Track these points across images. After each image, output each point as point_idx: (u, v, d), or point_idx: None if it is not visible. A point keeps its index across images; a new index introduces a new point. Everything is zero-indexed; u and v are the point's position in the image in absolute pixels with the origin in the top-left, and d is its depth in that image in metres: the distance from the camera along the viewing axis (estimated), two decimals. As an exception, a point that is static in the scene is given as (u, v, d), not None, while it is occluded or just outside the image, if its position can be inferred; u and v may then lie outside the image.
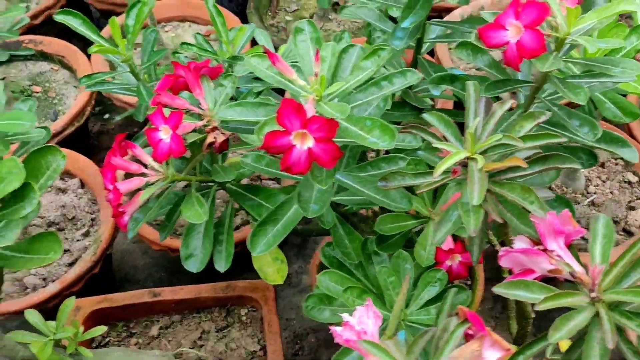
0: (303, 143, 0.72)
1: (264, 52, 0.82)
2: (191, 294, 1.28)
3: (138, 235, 1.62)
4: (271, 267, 1.05)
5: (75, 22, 1.10)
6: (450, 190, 0.94)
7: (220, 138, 0.93)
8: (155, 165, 0.98)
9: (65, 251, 1.41)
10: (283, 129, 0.71)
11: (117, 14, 1.84)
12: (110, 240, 1.39)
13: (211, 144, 0.93)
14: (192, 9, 1.89)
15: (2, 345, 1.02)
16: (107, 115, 1.97)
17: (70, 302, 1.10)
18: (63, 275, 1.35)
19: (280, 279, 1.05)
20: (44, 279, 1.38)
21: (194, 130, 0.97)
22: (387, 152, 1.16)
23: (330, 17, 1.86)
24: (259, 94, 1.11)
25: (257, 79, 1.17)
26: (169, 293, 1.29)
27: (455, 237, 0.93)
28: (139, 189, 0.98)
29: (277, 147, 0.72)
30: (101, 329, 1.11)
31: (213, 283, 1.29)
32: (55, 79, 1.75)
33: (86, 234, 1.43)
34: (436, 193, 0.98)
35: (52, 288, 1.33)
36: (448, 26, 1.07)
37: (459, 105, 1.50)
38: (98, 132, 1.93)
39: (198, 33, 1.22)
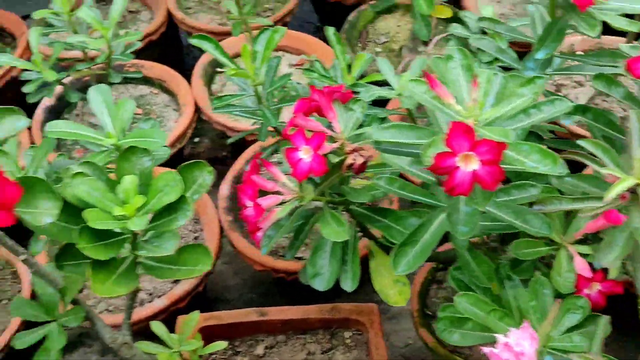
0: (467, 165, 0.74)
1: (418, 78, 0.84)
2: (298, 315, 1.30)
3: (234, 256, 1.66)
4: (392, 289, 1.07)
5: (209, 46, 1.16)
6: (582, 220, 0.95)
7: (360, 160, 0.96)
8: (290, 184, 1.02)
9: (171, 268, 1.45)
10: (449, 151, 0.74)
11: (214, 43, 1.91)
12: (215, 259, 1.43)
13: (350, 166, 0.96)
14: (284, 39, 1.95)
15: (132, 354, 1.05)
16: (197, 139, 2.03)
17: (195, 316, 1.14)
18: (170, 292, 1.38)
19: (402, 301, 1.06)
20: (150, 294, 1.42)
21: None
22: (507, 180, 1.18)
23: (419, 49, 1.90)
24: (382, 119, 1.14)
25: (375, 105, 1.20)
26: (276, 313, 1.31)
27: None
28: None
29: (443, 168, 0.74)
30: (221, 345, 1.14)
31: (319, 305, 1.31)
32: (156, 102, 1.82)
33: (189, 252, 1.47)
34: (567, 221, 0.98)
35: (160, 303, 1.36)
36: (573, 59, 1.10)
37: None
38: (188, 155, 1.99)
39: (317, 60, 1.26)
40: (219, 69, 1.88)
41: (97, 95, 1.18)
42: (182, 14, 1.99)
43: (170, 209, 0.88)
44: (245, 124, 1.72)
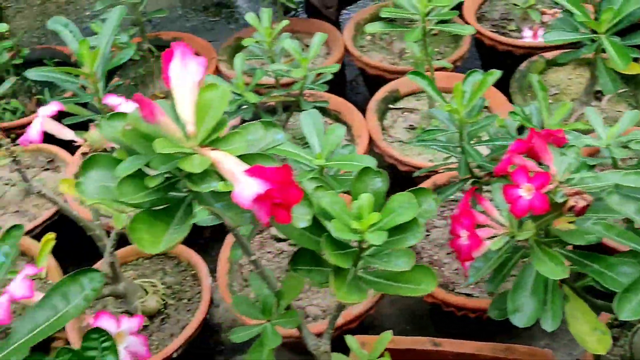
0: None
1: None
2: (471, 350, 1.32)
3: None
4: (590, 336, 1.06)
5: (423, 83, 1.23)
6: None
7: (581, 203, 0.98)
8: (501, 219, 1.06)
9: (343, 289, 1.52)
10: None
11: (387, 81, 2.00)
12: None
13: (571, 208, 0.98)
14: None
15: (327, 363, 1.11)
16: (357, 170, 2.11)
17: (387, 336, 1.19)
18: (345, 311, 1.44)
19: (602, 350, 1.05)
20: (324, 311, 1.48)
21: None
22: None
23: (592, 103, 1.89)
24: (591, 167, 1.15)
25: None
26: (449, 345, 1.33)
27: None
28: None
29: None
30: (407, 366, 1.18)
31: (493, 343, 1.32)
32: (329, 131, 1.92)
33: (360, 276, 1.53)
34: None
35: (334, 321, 1.42)
36: None
37: None
38: (349, 185, 2.07)
39: (517, 105, 1.30)
40: (391, 106, 1.97)
41: (308, 119, 1.28)
42: (358, 52, 2.10)
43: (401, 229, 0.93)
44: (415, 159, 1.78)
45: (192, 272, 1.65)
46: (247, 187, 0.76)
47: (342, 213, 0.93)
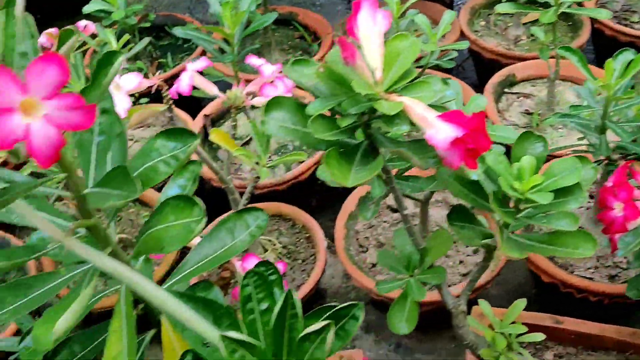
0: None
1: None
2: (594, 330, 1.32)
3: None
4: None
5: (573, 59, 1.24)
6: None
7: None
8: (655, 195, 1.06)
9: (460, 262, 1.54)
10: None
11: (502, 66, 2.00)
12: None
13: None
14: (572, 70, 1.99)
15: (463, 324, 1.14)
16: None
17: (521, 305, 1.21)
18: (464, 281, 1.47)
19: None
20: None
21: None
22: None
23: None
24: None
25: None
26: (571, 323, 1.34)
27: None
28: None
29: None
30: (540, 336, 1.19)
31: (618, 326, 1.32)
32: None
33: (476, 251, 1.55)
34: None
35: (454, 291, 1.45)
36: None
37: None
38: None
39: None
40: (507, 90, 1.97)
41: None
42: (474, 36, 2.11)
43: (563, 192, 0.95)
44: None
45: (307, 234, 1.70)
46: (442, 131, 0.79)
47: (505, 172, 0.95)
